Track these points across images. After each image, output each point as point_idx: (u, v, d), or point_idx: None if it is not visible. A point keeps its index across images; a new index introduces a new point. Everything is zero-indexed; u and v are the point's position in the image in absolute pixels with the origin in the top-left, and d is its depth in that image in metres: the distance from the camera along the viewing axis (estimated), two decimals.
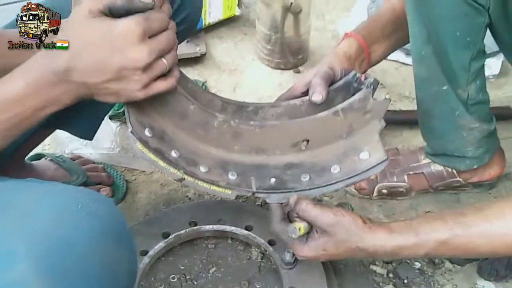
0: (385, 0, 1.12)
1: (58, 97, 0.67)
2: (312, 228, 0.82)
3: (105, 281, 0.57)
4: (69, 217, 0.57)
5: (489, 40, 1.00)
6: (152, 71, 0.68)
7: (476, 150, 1.09)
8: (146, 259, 0.97)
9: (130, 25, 0.64)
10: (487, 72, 1.36)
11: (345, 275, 1.04)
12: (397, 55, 1.48)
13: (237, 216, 1.04)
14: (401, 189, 1.17)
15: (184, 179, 0.81)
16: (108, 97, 0.69)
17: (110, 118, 1.33)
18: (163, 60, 0.68)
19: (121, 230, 0.62)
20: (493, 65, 1.45)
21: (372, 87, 0.83)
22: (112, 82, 0.66)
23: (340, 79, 0.90)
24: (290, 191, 0.86)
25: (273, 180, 0.87)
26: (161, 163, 0.79)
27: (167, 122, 0.82)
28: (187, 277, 1.00)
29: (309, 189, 0.86)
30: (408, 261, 1.06)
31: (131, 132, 0.75)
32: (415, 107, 1.14)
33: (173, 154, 0.81)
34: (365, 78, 0.85)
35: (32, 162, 1.17)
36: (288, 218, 0.86)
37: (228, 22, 1.69)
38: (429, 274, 1.04)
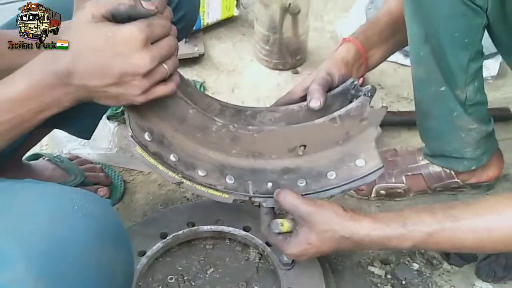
0: (384, 2, 1.12)
1: (58, 99, 0.67)
2: (294, 225, 0.84)
3: (102, 282, 0.57)
4: (65, 218, 0.57)
5: (487, 42, 1.00)
6: (153, 77, 0.68)
7: (474, 151, 1.09)
8: (144, 260, 0.97)
9: (133, 31, 0.64)
10: (485, 74, 1.36)
11: (343, 276, 1.04)
12: (396, 56, 1.48)
13: (235, 216, 1.04)
14: (399, 190, 1.17)
15: (182, 182, 0.82)
16: (108, 101, 0.69)
17: (108, 118, 1.33)
18: (164, 65, 0.69)
19: (118, 231, 0.62)
20: (491, 67, 1.45)
21: (369, 94, 0.84)
22: (112, 86, 0.67)
23: (338, 85, 0.91)
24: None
25: (270, 184, 0.88)
26: (160, 167, 0.80)
27: (167, 126, 0.82)
28: (185, 278, 0.99)
29: (306, 194, 0.87)
30: (406, 262, 1.06)
31: (131, 136, 0.76)
32: (413, 108, 1.14)
33: (172, 158, 0.82)
34: (362, 84, 0.85)
35: (30, 162, 1.17)
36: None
37: (226, 22, 1.69)
38: (427, 275, 1.04)
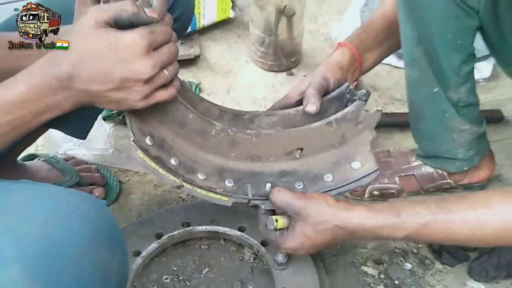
0: (379, 6, 1.13)
1: (60, 102, 0.68)
2: (290, 221, 0.85)
3: (97, 283, 0.57)
4: (60, 219, 0.57)
5: (479, 44, 1.01)
6: (154, 83, 0.69)
7: (466, 152, 1.10)
8: (139, 260, 0.97)
9: (135, 37, 0.66)
10: (478, 76, 1.37)
11: (337, 275, 1.05)
12: (390, 58, 1.49)
13: (230, 217, 1.05)
14: (392, 191, 1.18)
15: (182, 186, 0.83)
16: (109, 105, 0.71)
17: (104, 119, 1.33)
18: (165, 71, 0.70)
19: (113, 232, 0.62)
20: (483, 69, 1.46)
21: (364, 98, 0.87)
22: (114, 91, 0.68)
23: (334, 89, 0.93)
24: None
25: (268, 187, 0.89)
26: (161, 171, 0.81)
27: (167, 130, 0.84)
28: (180, 278, 1.00)
29: None
30: (399, 262, 1.07)
31: (133, 141, 0.77)
32: (406, 110, 1.15)
33: (173, 162, 0.83)
34: (357, 86, 0.87)
35: (25, 162, 1.17)
36: None
37: (222, 24, 1.70)
38: (420, 275, 1.05)
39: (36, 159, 1.19)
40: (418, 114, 1.10)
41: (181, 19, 1.01)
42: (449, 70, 1.00)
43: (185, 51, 1.55)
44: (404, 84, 1.10)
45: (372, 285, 1.03)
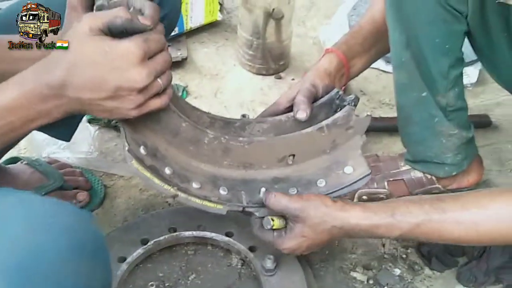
0: (367, 9, 1.13)
1: (50, 110, 0.68)
2: (287, 222, 0.86)
3: None
4: (40, 230, 0.55)
5: (467, 49, 1.02)
6: (148, 92, 0.69)
7: (455, 157, 1.10)
8: (124, 266, 0.96)
9: (130, 46, 0.66)
10: (465, 81, 1.37)
11: (326, 281, 1.04)
12: (378, 63, 1.49)
13: (217, 222, 1.03)
14: (381, 196, 1.18)
15: (177, 195, 0.83)
16: (101, 114, 0.70)
17: (89, 121, 1.31)
18: (159, 80, 0.70)
19: (95, 243, 0.61)
20: (470, 74, 1.47)
21: (353, 103, 0.89)
22: (107, 100, 0.68)
23: (322, 95, 0.95)
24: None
25: (262, 193, 0.89)
26: (156, 180, 0.81)
27: (160, 139, 0.84)
28: (166, 284, 0.98)
29: None
30: (388, 268, 1.06)
31: (128, 150, 0.77)
32: (395, 114, 1.15)
33: (167, 171, 0.83)
34: (345, 91, 0.88)
35: (7, 165, 1.15)
36: None
37: (209, 27, 1.69)
38: (409, 280, 1.05)
39: (19, 162, 1.16)
40: (407, 119, 1.10)
41: (167, 19, 1.00)
42: (438, 74, 1.00)
43: (172, 54, 1.51)
44: (392, 89, 1.10)
45: None
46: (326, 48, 1.05)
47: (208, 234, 1.03)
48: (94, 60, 0.65)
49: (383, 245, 1.09)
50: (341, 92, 0.93)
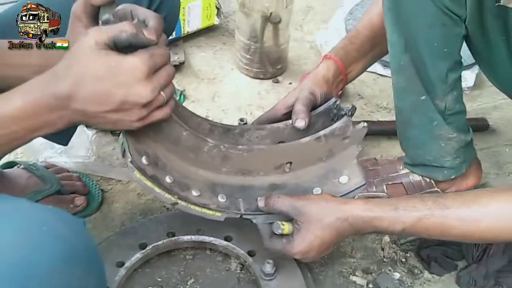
0: (365, 13, 1.14)
1: (54, 121, 0.68)
2: (294, 226, 0.87)
3: None
4: (32, 239, 0.55)
5: (464, 53, 1.02)
6: (151, 105, 0.70)
7: (453, 160, 1.10)
8: (122, 271, 0.95)
9: (136, 61, 0.67)
10: (462, 84, 1.37)
11: (325, 285, 1.03)
12: (375, 67, 1.50)
13: (216, 226, 1.02)
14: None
15: (177, 203, 0.85)
16: (104, 125, 0.72)
17: (86, 126, 1.30)
18: (162, 93, 0.71)
19: (89, 253, 0.60)
20: (468, 78, 1.47)
21: (350, 113, 0.91)
22: (111, 113, 0.69)
23: (321, 103, 0.97)
24: (274, 213, 0.90)
25: (260, 200, 0.90)
26: (157, 189, 0.83)
27: (160, 148, 0.85)
28: None
29: None
30: (388, 272, 1.06)
31: (131, 161, 0.78)
32: (392, 118, 1.15)
33: (168, 179, 0.85)
34: (342, 95, 0.90)
35: (4, 170, 1.14)
36: None
37: (207, 31, 1.69)
38: (409, 284, 1.04)
39: (16, 167, 1.16)
40: (406, 122, 1.10)
41: (165, 22, 1.00)
42: (436, 78, 1.00)
43: None
44: (390, 92, 1.10)
45: None
46: (324, 55, 1.06)
47: (206, 238, 1.02)
48: (100, 74, 0.66)
49: (383, 249, 1.09)
50: (338, 102, 0.94)
